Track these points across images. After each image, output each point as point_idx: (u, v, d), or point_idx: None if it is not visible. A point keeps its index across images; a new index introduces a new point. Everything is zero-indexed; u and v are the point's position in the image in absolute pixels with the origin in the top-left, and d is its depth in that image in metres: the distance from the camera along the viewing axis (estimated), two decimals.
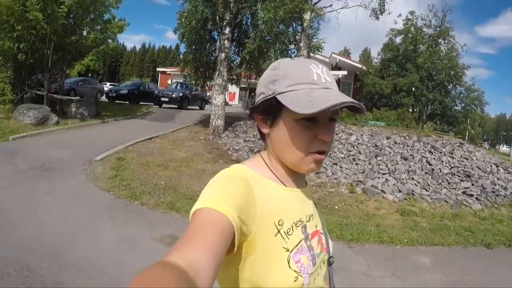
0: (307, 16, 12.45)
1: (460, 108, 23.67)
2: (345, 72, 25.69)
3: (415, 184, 9.35)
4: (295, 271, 0.92)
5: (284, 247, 0.93)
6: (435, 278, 5.20)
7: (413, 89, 21.68)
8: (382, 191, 8.78)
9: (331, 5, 13.59)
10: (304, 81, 0.95)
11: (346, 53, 70.59)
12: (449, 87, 23.41)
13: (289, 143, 0.97)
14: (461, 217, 8.21)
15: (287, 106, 0.92)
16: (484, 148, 52.21)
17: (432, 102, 22.39)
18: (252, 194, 0.91)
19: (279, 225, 0.94)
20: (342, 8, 13.48)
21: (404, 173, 9.82)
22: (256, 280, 0.91)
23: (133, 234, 5.38)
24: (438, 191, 9.21)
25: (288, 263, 0.92)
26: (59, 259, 4.30)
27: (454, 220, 7.96)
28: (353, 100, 0.90)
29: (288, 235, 0.95)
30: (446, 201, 8.88)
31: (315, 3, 13.12)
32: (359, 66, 25.87)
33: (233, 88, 36.38)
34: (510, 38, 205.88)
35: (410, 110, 21.82)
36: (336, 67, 27.24)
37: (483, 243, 6.81)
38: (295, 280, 0.92)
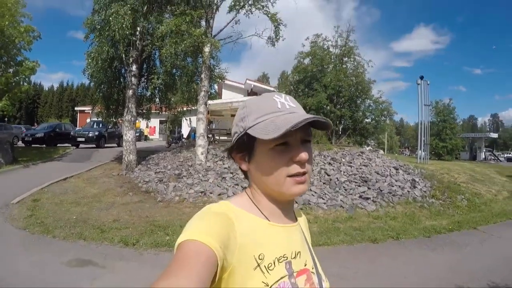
0: (206, 48, 13.06)
1: (370, 120, 24.85)
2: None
3: (312, 194, 10.06)
4: None
5: (263, 282, 0.93)
6: None
7: (325, 106, 22.53)
8: None
9: (230, 37, 14.32)
10: (269, 111, 1.01)
11: (264, 78, 72.55)
12: (358, 101, 24.52)
13: (268, 171, 1.01)
14: (354, 219, 9.00)
15: (257, 137, 0.97)
16: (404, 154, 54.96)
17: (342, 118, 23.42)
18: (233, 227, 0.94)
19: (259, 259, 0.95)
20: (238, 38, 14.17)
21: None
22: None
23: (45, 260, 6.03)
24: (334, 198, 10.00)
25: None
26: None
27: (347, 222, 8.72)
28: (316, 116, 0.96)
29: (269, 269, 0.95)
30: (341, 206, 9.67)
31: (215, 36, 13.83)
32: (272, 89, 26.74)
33: (153, 122, 36.30)
34: (423, 51, 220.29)
35: None
36: (251, 92, 28.12)
37: (370, 239, 7.54)
38: None
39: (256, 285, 0.92)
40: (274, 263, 0.97)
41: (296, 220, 1.17)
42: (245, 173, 1.12)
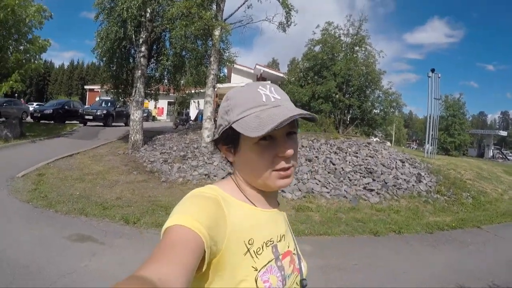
0: (216, 32, 12.96)
1: (378, 111, 24.69)
2: (269, 82, 26.25)
3: (316, 183, 10.04)
4: None
5: (253, 266, 0.95)
6: (311, 262, 5.76)
7: (334, 95, 22.37)
8: (282, 191, 9.28)
9: (241, 21, 14.19)
10: (253, 105, 1.00)
11: (274, 64, 72.51)
12: (367, 91, 24.34)
13: (253, 166, 1.03)
14: (357, 210, 8.93)
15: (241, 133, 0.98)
16: (412, 148, 54.78)
17: (350, 107, 23.29)
18: (223, 213, 0.94)
19: (249, 244, 0.96)
20: (248, 23, 14.02)
21: (307, 173, 10.51)
22: None
23: (46, 234, 6.08)
24: (338, 188, 9.94)
25: (256, 282, 0.93)
26: None
27: (349, 213, 8.66)
28: (302, 112, 0.97)
29: (258, 254, 0.97)
30: (345, 196, 9.62)
31: (225, 19, 13.72)
32: (282, 76, 26.60)
33: (162, 103, 36.33)
34: (436, 44, 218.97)
35: (332, 116, 22.56)
36: (261, 77, 27.98)
37: (371, 232, 7.49)
38: None
39: (246, 270, 0.93)
40: (262, 247, 0.99)
41: (278, 205, 1.19)
42: (230, 162, 1.13)
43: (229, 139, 1.06)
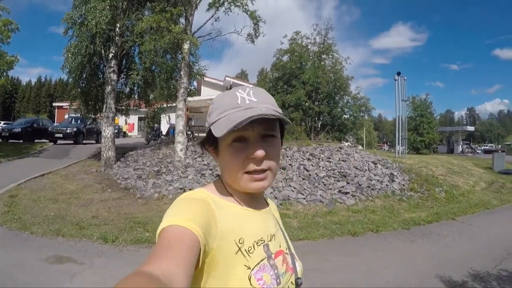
0: (186, 45, 13.00)
1: (348, 116, 25.07)
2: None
3: (292, 190, 10.16)
4: None
5: (245, 265, 0.96)
6: None
7: (304, 103, 22.59)
8: None
9: (210, 34, 14.26)
10: (228, 107, 1.02)
11: (243, 74, 72.89)
12: (336, 98, 24.68)
13: (227, 167, 1.05)
14: (333, 213, 9.11)
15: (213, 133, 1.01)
16: (383, 149, 55.60)
17: (320, 114, 23.58)
18: (213, 214, 0.96)
19: (239, 243, 0.97)
20: (217, 36, 14.12)
21: (282, 181, 10.64)
22: None
23: (23, 257, 5.94)
24: (313, 193, 10.11)
25: (249, 280, 0.95)
26: None
27: (326, 216, 8.82)
28: (262, 113, 0.96)
29: (249, 253, 0.98)
30: (321, 201, 9.79)
31: (194, 33, 13.78)
32: (251, 86, 26.72)
33: (132, 119, 35.93)
34: (401, 48, 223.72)
35: (303, 123, 22.79)
36: (230, 89, 28.05)
37: (349, 233, 7.67)
38: None
39: (239, 269, 0.94)
40: (253, 246, 1.00)
41: (267, 205, 1.21)
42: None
43: (210, 140, 1.09)
